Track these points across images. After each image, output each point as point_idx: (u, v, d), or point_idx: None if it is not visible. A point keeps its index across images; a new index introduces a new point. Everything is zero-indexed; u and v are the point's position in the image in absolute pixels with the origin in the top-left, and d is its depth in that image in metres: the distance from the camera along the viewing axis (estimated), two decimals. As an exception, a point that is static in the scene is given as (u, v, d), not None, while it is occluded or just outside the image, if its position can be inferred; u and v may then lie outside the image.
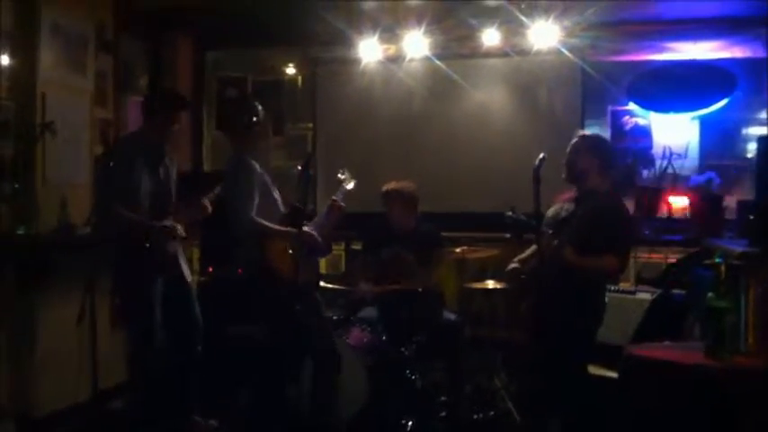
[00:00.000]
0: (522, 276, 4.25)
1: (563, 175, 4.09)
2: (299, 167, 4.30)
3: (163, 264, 4.46)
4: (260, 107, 4.45)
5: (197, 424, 4.76)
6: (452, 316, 5.16)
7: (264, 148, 4.57)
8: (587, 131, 4.32)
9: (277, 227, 4.22)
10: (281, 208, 4.38)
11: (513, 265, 4.36)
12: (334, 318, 4.77)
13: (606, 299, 4.15)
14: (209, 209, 4.62)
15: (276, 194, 4.39)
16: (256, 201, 4.18)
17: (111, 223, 4.49)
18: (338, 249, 6.23)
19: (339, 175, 4.83)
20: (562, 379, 3.92)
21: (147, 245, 4.37)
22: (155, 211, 4.47)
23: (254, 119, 4.38)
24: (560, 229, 4.01)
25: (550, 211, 4.15)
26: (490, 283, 4.97)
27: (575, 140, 4.11)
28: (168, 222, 4.45)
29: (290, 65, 7.16)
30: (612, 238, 3.90)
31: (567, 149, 4.09)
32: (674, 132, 6.28)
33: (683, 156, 6.23)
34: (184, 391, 4.66)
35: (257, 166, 4.31)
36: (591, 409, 3.85)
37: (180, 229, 4.49)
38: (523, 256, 4.39)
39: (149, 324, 4.43)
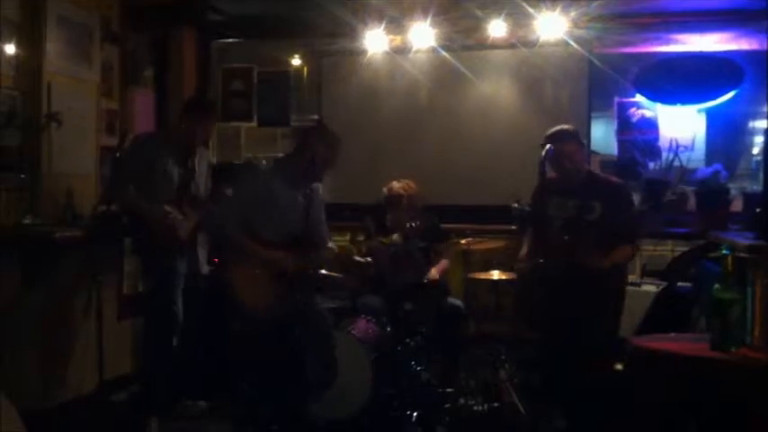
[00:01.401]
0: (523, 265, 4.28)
1: (565, 167, 4.11)
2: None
3: (170, 247, 4.52)
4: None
5: (187, 406, 4.83)
6: (457, 302, 5.17)
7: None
8: (566, 126, 4.30)
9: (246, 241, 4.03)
10: (286, 227, 4.14)
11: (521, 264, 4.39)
12: (334, 306, 4.78)
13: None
14: None
15: (285, 213, 4.12)
16: (242, 211, 4.07)
17: (126, 209, 4.67)
18: (343, 240, 6.22)
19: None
20: (590, 376, 3.90)
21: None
22: (181, 202, 4.60)
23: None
24: (577, 227, 3.99)
25: (554, 209, 4.12)
26: (495, 274, 4.98)
27: (565, 135, 4.15)
28: (170, 210, 4.52)
29: (296, 56, 7.15)
30: (627, 228, 3.95)
31: (553, 145, 4.08)
32: (681, 124, 6.26)
33: (690, 148, 6.21)
34: (181, 374, 4.73)
35: (280, 183, 4.13)
36: (599, 401, 3.85)
37: (178, 219, 4.56)
38: (525, 251, 4.39)
39: (165, 307, 4.51)
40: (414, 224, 4.66)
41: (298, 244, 4.06)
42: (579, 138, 4.25)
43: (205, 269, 4.93)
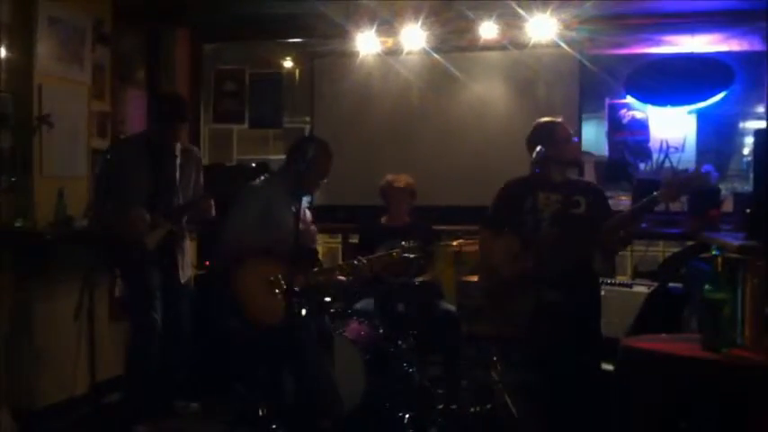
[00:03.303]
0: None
1: (569, 159, 4.13)
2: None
3: (144, 256, 4.50)
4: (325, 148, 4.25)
5: (180, 407, 4.83)
6: (449, 306, 5.17)
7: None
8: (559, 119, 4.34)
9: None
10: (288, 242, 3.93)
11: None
12: (332, 311, 4.76)
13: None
14: (212, 208, 4.69)
15: (288, 228, 3.94)
16: (251, 226, 4.05)
17: (105, 219, 4.59)
18: (335, 243, 6.24)
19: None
20: (582, 375, 3.92)
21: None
22: (157, 209, 4.55)
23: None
24: (565, 222, 3.99)
25: (540, 203, 4.11)
26: (487, 276, 4.97)
27: (564, 127, 4.20)
28: (140, 217, 4.49)
29: (288, 58, 7.16)
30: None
31: (570, 137, 4.18)
32: (672, 126, 6.27)
33: (681, 149, 6.23)
34: (169, 379, 4.73)
35: (280, 196, 4.10)
36: (591, 402, 3.86)
37: (146, 221, 4.52)
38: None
39: (143, 316, 4.50)
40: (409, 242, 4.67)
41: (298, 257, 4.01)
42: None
43: (187, 275, 4.88)
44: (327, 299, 4.49)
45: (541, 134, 4.15)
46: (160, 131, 4.61)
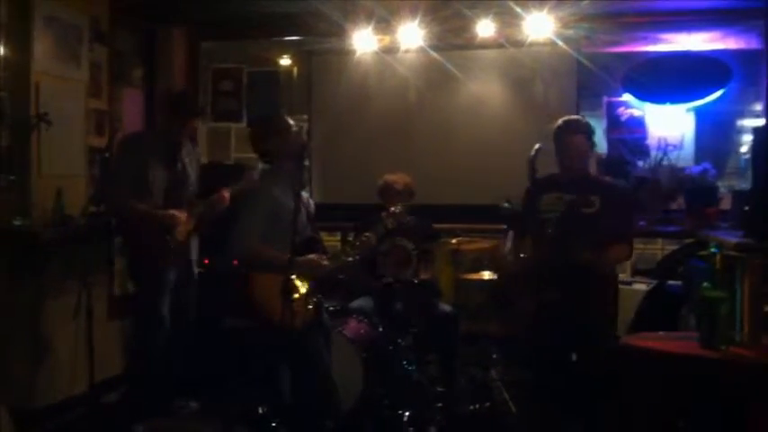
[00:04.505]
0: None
1: (571, 160, 4.11)
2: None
3: (170, 252, 4.52)
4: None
5: (178, 406, 4.83)
6: (447, 308, 5.17)
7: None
8: (577, 117, 4.31)
9: (273, 254, 3.79)
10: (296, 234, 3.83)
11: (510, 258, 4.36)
12: (330, 308, 4.75)
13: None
14: (227, 201, 4.71)
15: (292, 221, 3.78)
16: (260, 229, 3.88)
17: (122, 214, 4.64)
18: (334, 241, 6.22)
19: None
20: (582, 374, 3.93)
21: (168, 236, 4.52)
22: (170, 203, 4.59)
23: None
24: (573, 221, 3.98)
25: (547, 204, 4.10)
26: (485, 275, 4.98)
27: (574, 126, 4.14)
28: (177, 213, 4.53)
29: (285, 56, 7.16)
30: (626, 227, 3.94)
31: (572, 135, 4.12)
32: (670, 123, 6.28)
33: (679, 147, 6.23)
34: (169, 376, 4.74)
35: (280, 192, 3.94)
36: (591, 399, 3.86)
37: (184, 219, 4.59)
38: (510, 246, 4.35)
39: (153, 312, 4.50)
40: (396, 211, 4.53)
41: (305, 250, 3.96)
42: (589, 130, 4.17)
43: (196, 270, 4.92)
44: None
45: (554, 135, 4.14)
46: (172, 126, 4.66)
